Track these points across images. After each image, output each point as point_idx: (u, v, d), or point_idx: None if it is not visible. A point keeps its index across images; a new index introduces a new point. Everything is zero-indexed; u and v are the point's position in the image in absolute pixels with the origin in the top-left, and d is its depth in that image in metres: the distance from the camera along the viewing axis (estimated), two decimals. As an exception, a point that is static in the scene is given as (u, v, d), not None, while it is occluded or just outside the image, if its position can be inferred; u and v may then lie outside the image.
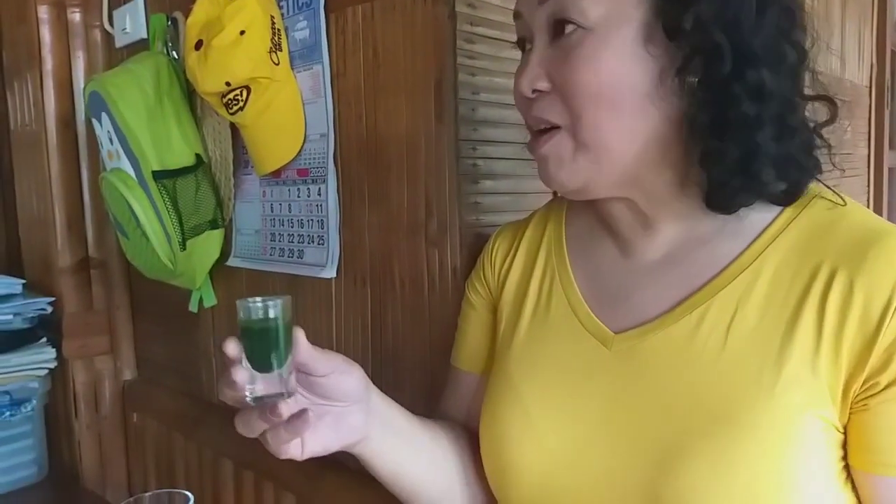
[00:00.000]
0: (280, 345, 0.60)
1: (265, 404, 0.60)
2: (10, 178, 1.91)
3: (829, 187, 0.66)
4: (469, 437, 0.82)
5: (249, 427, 0.62)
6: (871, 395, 0.57)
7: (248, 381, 0.60)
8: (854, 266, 0.58)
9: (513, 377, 0.73)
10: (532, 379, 0.72)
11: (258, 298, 0.60)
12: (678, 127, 0.62)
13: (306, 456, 0.65)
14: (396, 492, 0.76)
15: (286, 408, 0.59)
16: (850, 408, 0.58)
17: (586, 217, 0.76)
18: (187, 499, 0.96)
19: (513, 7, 0.99)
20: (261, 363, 0.60)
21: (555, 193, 0.87)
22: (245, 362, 0.61)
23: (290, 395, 0.61)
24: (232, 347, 0.61)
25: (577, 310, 0.72)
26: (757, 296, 0.61)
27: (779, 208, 0.64)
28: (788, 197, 0.63)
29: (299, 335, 0.62)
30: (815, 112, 0.65)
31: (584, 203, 0.75)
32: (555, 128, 0.65)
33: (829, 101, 0.65)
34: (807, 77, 0.64)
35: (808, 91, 0.65)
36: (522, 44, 0.69)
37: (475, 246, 0.92)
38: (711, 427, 0.59)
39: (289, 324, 0.61)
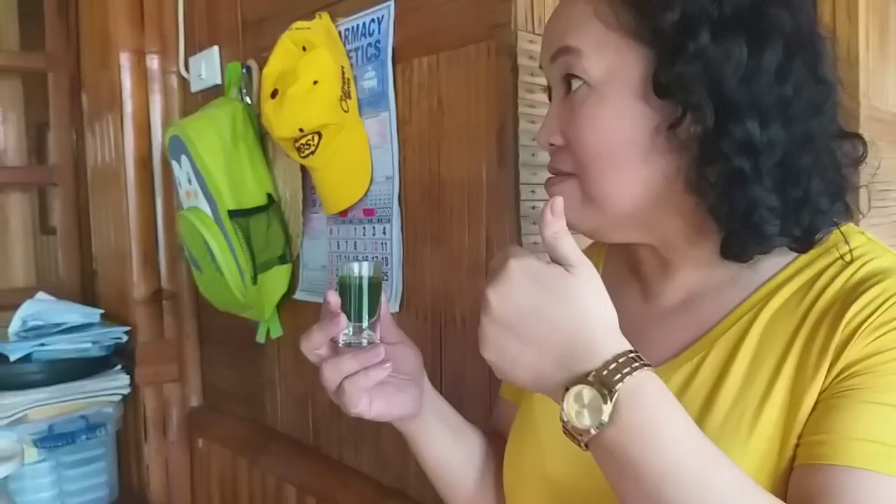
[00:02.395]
0: (372, 298, 0.72)
1: (355, 348, 0.71)
2: (85, 213, 2.03)
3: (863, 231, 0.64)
4: (498, 452, 0.85)
5: (338, 369, 0.70)
6: (835, 384, 0.55)
7: (344, 327, 0.71)
8: (845, 305, 0.57)
9: (534, 411, 0.76)
10: (549, 415, 0.72)
11: (353, 262, 0.73)
12: (683, 180, 0.62)
13: (373, 414, 0.72)
14: (433, 476, 0.83)
15: (382, 349, 0.70)
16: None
17: (620, 260, 0.79)
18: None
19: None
20: (355, 313, 0.71)
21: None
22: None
23: (372, 343, 0.72)
24: (332, 296, 0.71)
25: None
26: (749, 344, 0.61)
27: (794, 255, 0.63)
28: (804, 243, 0.62)
29: (384, 296, 0.74)
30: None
31: (620, 246, 0.77)
32: (567, 174, 0.67)
33: (858, 138, 0.64)
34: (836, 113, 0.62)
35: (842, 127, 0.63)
36: (549, 92, 0.72)
37: (535, 285, 0.96)
38: None
39: (379, 282, 0.73)
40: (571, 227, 0.66)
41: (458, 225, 1.05)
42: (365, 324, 0.71)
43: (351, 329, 0.71)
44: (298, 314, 1.39)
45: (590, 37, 0.63)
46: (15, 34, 2.12)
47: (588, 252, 0.84)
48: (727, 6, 0.58)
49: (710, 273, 0.67)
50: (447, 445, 0.81)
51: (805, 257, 0.63)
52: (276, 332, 1.44)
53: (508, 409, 0.86)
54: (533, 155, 0.98)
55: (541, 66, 0.72)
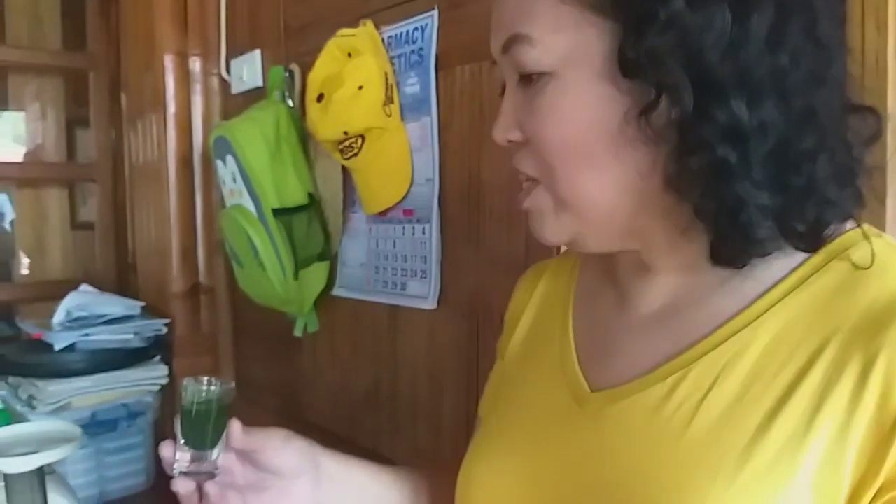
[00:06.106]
0: (209, 426, 0.65)
1: (190, 479, 0.66)
2: (122, 209, 2.10)
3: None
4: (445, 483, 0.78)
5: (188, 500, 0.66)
6: None
7: (175, 457, 0.66)
8: (873, 345, 0.47)
9: (491, 422, 0.71)
10: (505, 428, 0.68)
11: (203, 380, 0.67)
12: (660, 176, 0.53)
13: None
14: None
15: (186, 485, 0.65)
16: None
17: (597, 264, 0.70)
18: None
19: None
20: (191, 440, 0.66)
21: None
22: (180, 438, 0.66)
23: (212, 475, 0.66)
24: (175, 425, 0.66)
25: (565, 361, 0.65)
26: (743, 367, 0.51)
27: (802, 258, 0.53)
28: (810, 241, 0.52)
29: (234, 425, 0.67)
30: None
31: None
32: (535, 180, 0.59)
33: (869, 111, 0.53)
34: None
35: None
36: (503, 89, 0.62)
37: (571, 285, 1.01)
38: None
39: (222, 408, 0.66)
40: (548, 241, 0.60)
41: (497, 226, 1.09)
42: (201, 452, 0.66)
43: (186, 458, 0.65)
44: (335, 310, 1.44)
45: (542, 18, 0.54)
46: (58, 34, 2.19)
47: (564, 256, 0.78)
48: None
49: (697, 277, 0.58)
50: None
51: (813, 262, 0.53)
52: (313, 326, 1.49)
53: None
54: (571, 160, 1.02)
55: (494, 60, 0.62)
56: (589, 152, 0.54)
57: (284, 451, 0.69)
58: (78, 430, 1.06)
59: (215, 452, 0.66)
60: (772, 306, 0.53)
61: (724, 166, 0.49)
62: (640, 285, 0.62)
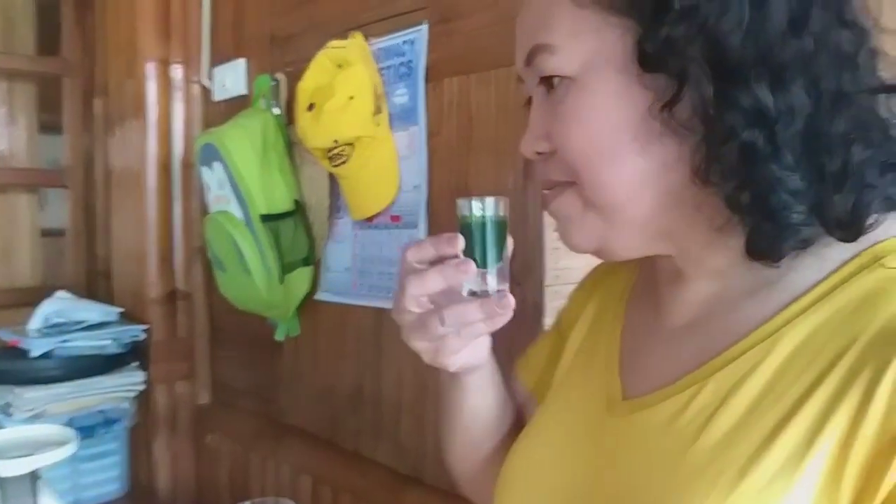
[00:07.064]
0: (500, 240, 0.64)
1: (479, 297, 0.62)
2: (92, 215, 2.10)
3: None
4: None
5: (462, 316, 0.61)
6: None
7: (472, 274, 0.62)
8: (883, 356, 0.45)
9: (538, 418, 0.73)
10: (547, 427, 0.70)
11: (482, 197, 0.64)
12: (688, 168, 0.53)
13: (458, 365, 0.68)
14: (474, 425, 0.79)
15: (511, 299, 0.61)
16: None
17: (650, 268, 0.69)
18: (287, 507, 1.10)
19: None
20: (481, 258, 0.63)
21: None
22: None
23: (504, 292, 0.63)
24: (460, 241, 0.62)
25: (608, 365, 0.66)
26: (759, 379, 0.50)
27: (836, 263, 0.51)
28: (850, 229, 0.50)
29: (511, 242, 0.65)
30: None
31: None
32: (563, 183, 0.60)
33: None
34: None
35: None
36: (528, 101, 0.64)
37: (555, 285, 1.06)
38: None
39: (506, 221, 0.65)
40: (575, 248, 0.61)
41: (483, 231, 1.14)
42: (492, 269, 0.63)
43: (477, 276, 0.62)
44: (318, 314, 1.47)
45: (561, 25, 0.55)
46: (31, 39, 2.18)
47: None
48: None
49: (728, 285, 0.57)
50: (498, 392, 0.78)
51: (849, 268, 0.51)
52: (295, 330, 1.52)
53: (518, 389, 0.84)
54: (555, 169, 1.08)
55: (518, 79, 0.64)
56: (612, 152, 0.55)
57: None
58: (72, 434, 1.07)
59: (497, 269, 0.64)
60: (797, 315, 0.51)
61: (752, 150, 0.49)
62: (674, 294, 0.62)
